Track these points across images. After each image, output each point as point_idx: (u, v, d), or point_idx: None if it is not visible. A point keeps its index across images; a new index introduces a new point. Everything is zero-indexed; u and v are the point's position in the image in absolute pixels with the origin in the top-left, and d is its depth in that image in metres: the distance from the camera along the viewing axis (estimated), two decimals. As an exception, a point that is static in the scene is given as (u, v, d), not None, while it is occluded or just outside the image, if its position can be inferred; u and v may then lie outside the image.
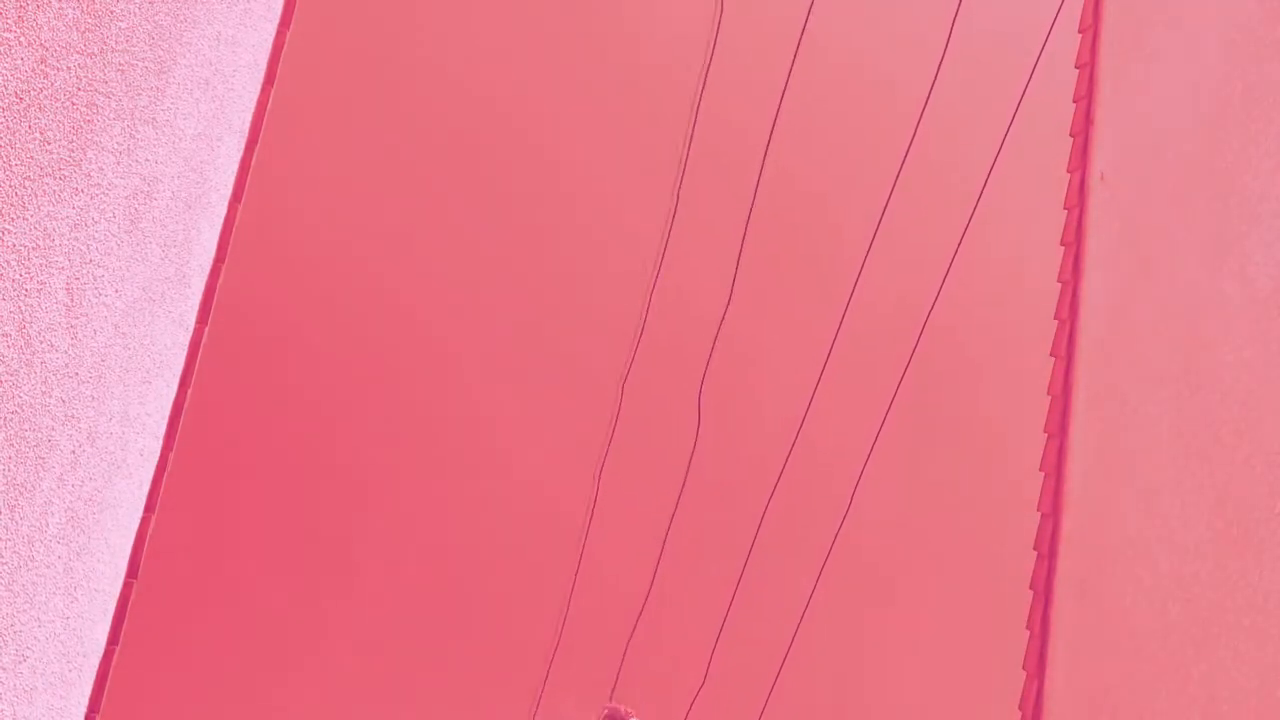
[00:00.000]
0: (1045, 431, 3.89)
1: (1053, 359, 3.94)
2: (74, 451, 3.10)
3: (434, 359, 9.93)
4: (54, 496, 3.03)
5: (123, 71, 2.92)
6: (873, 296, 5.71)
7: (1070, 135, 4.13)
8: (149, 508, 3.86)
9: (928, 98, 4.82)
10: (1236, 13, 3.06)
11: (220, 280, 4.03)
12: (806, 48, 5.01)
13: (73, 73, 2.66)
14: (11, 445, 2.74)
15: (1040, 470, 3.85)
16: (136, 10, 2.93)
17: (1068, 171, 4.11)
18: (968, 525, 9.81)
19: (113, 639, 3.79)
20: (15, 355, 2.67)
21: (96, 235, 2.96)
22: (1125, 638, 3.06)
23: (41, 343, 2.79)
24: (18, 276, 2.61)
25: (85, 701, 3.66)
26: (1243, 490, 2.58)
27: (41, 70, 2.52)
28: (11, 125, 2.45)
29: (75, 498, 3.18)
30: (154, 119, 3.17)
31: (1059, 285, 4.02)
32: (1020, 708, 3.63)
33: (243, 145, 4.03)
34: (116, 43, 2.86)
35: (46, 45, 2.52)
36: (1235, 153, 2.91)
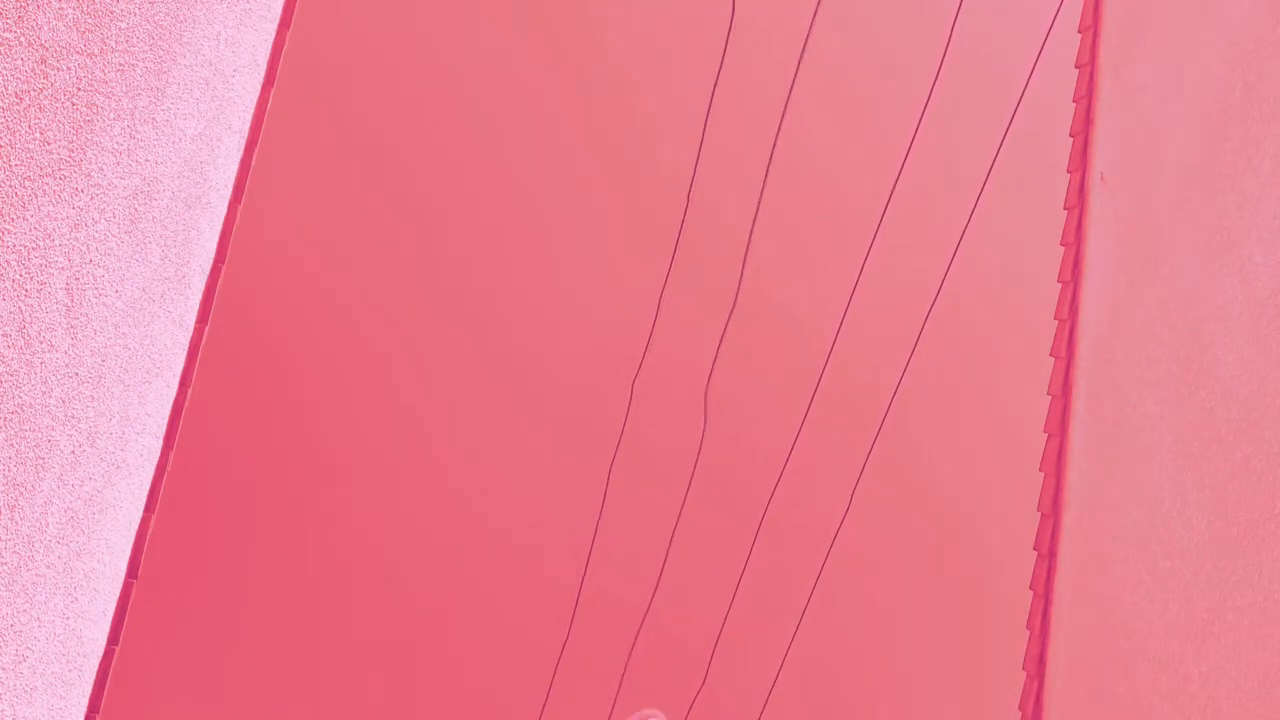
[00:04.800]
0: (1045, 431, 3.89)
1: (1053, 359, 3.94)
2: (74, 452, 3.10)
3: (436, 358, 9.93)
4: (54, 497, 3.03)
5: (123, 71, 2.92)
6: (873, 296, 5.71)
7: (1070, 135, 4.13)
8: (149, 508, 3.86)
9: (928, 98, 4.82)
10: (1236, 13, 3.06)
11: (220, 280, 4.03)
12: (807, 50, 5.01)
13: (73, 73, 2.67)
14: (11, 445, 2.74)
15: (1040, 470, 3.85)
16: (136, 10, 2.93)
17: (1068, 171, 4.11)
18: (968, 525, 9.80)
19: (113, 639, 3.79)
20: (15, 355, 2.67)
21: (96, 235, 2.97)
22: (1125, 638, 3.06)
23: (41, 343, 2.79)
24: (18, 276, 2.61)
25: (85, 701, 3.66)
26: (1243, 490, 2.58)
27: (41, 70, 2.52)
28: (11, 125, 2.45)
29: (75, 498, 3.18)
30: (154, 119, 3.17)
31: (1059, 285, 4.02)
32: (1020, 708, 3.63)
33: (243, 145, 4.03)
34: (116, 43, 2.86)
35: (46, 45, 2.52)
36: (1235, 153, 2.90)
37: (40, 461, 2.91)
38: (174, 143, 3.36)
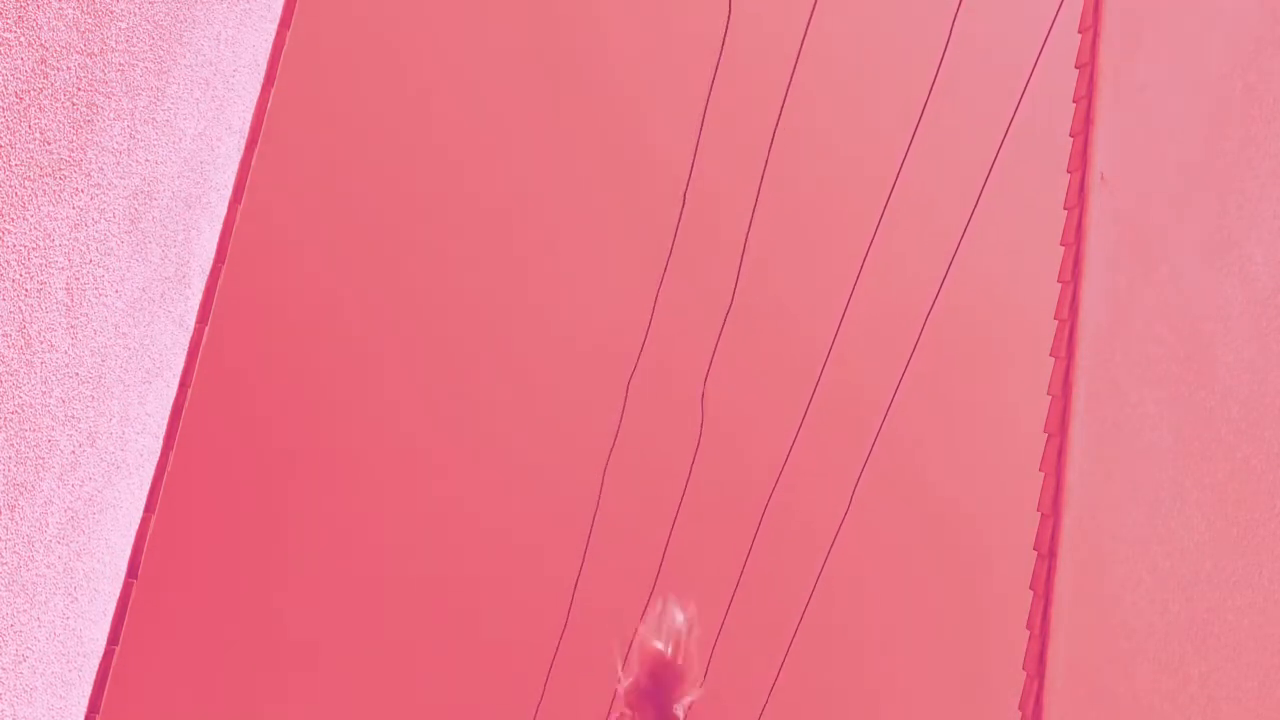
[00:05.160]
0: (1045, 431, 3.89)
1: (1053, 359, 3.94)
2: (74, 452, 3.10)
3: (436, 358, 9.93)
4: (54, 496, 3.03)
5: (123, 71, 2.92)
6: (872, 296, 5.71)
7: (1070, 135, 4.13)
8: (149, 508, 3.86)
9: (927, 98, 4.82)
10: (1236, 13, 3.06)
11: (220, 280, 4.03)
12: (806, 48, 5.01)
13: (73, 73, 2.66)
14: (11, 445, 2.74)
15: (1040, 470, 3.85)
16: (136, 10, 2.93)
17: (1068, 171, 4.11)
18: (968, 526, 9.80)
19: (113, 639, 3.79)
20: (15, 355, 2.67)
21: (96, 235, 2.96)
22: (1125, 638, 3.06)
23: (41, 343, 2.79)
24: (18, 276, 2.61)
25: (85, 701, 3.66)
26: (1243, 490, 2.58)
27: (41, 70, 2.52)
28: (11, 125, 2.45)
29: (75, 498, 3.18)
30: (154, 119, 3.17)
31: (1059, 285, 4.02)
32: (1020, 708, 3.63)
33: (243, 145, 4.03)
34: (116, 43, 2.86)
35: (46, 45, 2.52)
36: (1235, 153, 2.90)
37: (40, 461, 2.91)
38: (174, 143, 3.36)
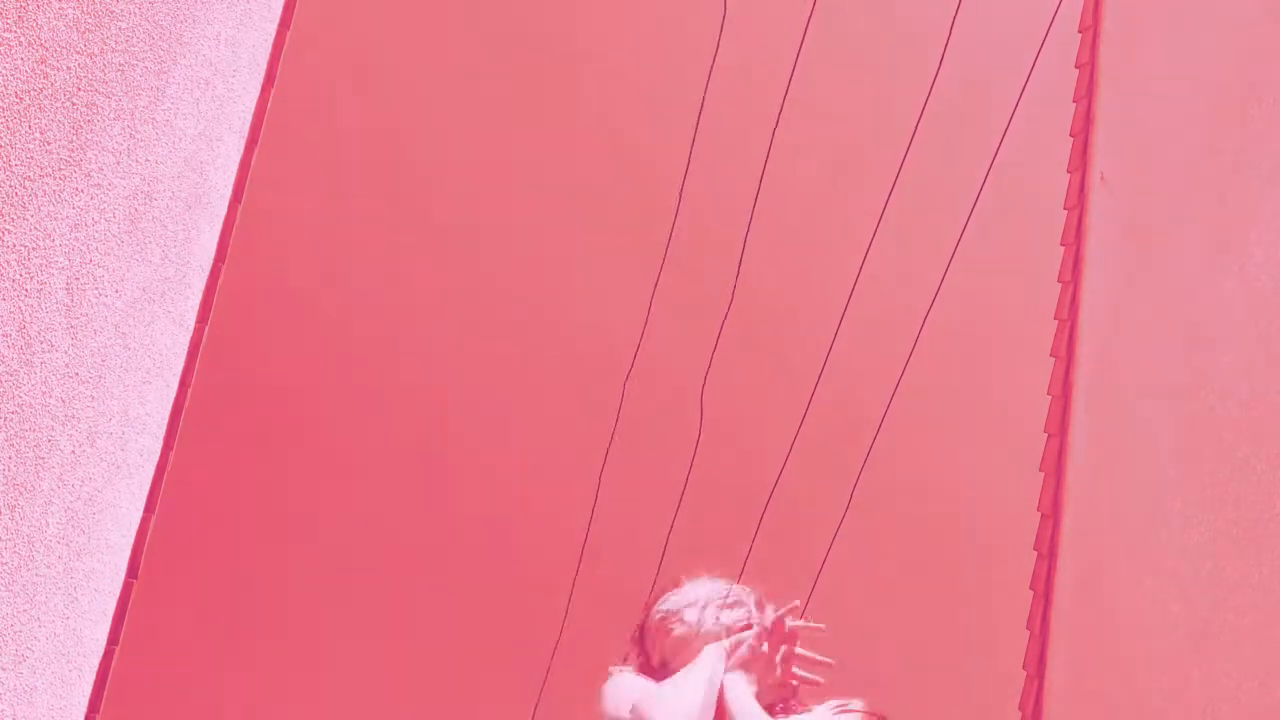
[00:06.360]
0: (1045, 431, 3.89)
1: (1053, 359, 3.94)
2: (74, 451, 3.10)
3: (436, 358, 9.93)
4: (54, 496, 3.03)
5: (123, 71, 2.92)
6: (872, 295, 5.70)
7: (1070, 135, 4.13)
8: (149, 508, 3.86)
9: (927, 98, 4.82)
10: (1236, 13, 3.06)
11: (220, 280, 4.03)
12: (806, 44, 5.01)
13: (73, 73, 2.66)
14: (11, 445, 2.74)
15: (1040, 470, 3.85)
16: (136, 10, 2.93)
17: (1068, 171, 4.11)
18: (968, 526, 9.80)
19: (113, 639, 3.79)
20: (15, 355, 2.67)
21: (96, 235, 2.96)
22: (1125, 638, 3.06)
23: (41, 343, 2.79)
24: (18, 276, 2.61)
25: (85, 701, 3.66)
26: (1243, 490, 2.58)
27: (41, 70, 2.52)
28: (11, 125, 2.45)
29: (75, 498, 3.18)
30: (154, 119, 3.17)
31: (1059, 285, 4.02)
32: (1020, 708, 3.63)
33: (243, 145, 4.03)
34: (116, 43, 2.86)
35: (46, 45, 2.52)
36: (1235, 153, 2.90)
37: (40, 461, 2.91)
38: (174, 143, 3.36)
